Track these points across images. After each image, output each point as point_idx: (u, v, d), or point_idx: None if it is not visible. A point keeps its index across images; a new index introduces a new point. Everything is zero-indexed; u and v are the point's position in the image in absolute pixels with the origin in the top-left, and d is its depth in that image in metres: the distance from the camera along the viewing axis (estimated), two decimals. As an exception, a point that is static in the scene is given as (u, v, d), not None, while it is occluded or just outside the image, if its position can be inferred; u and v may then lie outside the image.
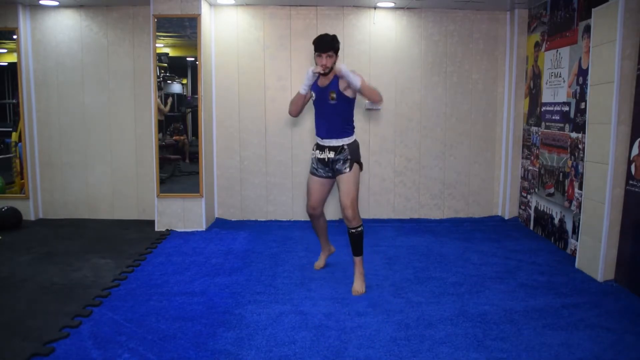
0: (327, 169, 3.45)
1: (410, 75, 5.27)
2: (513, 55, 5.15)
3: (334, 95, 3.28)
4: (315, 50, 3.26)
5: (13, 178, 5.32)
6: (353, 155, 3.37)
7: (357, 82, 3.17)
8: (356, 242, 3.33)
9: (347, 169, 3.34)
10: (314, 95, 3.38)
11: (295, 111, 3.46)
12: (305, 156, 5.29)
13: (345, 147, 3.36)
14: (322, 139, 3.41)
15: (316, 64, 3.29)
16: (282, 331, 2.76)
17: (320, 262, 3.86)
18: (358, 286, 3.33)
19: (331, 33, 3.20)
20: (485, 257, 4.09)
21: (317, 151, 3.45)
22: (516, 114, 5.20)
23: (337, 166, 3.37)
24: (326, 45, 3.22)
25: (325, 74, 3.28)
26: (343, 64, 3.23)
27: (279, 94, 5.24)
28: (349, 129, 3.40)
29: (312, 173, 3.54)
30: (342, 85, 3.27)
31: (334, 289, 3.39)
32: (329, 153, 3.38)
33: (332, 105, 3.31)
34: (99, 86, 5.25)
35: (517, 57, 5.12)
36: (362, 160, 5.38)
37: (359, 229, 3.32)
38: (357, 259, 3.37)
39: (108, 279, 3.53)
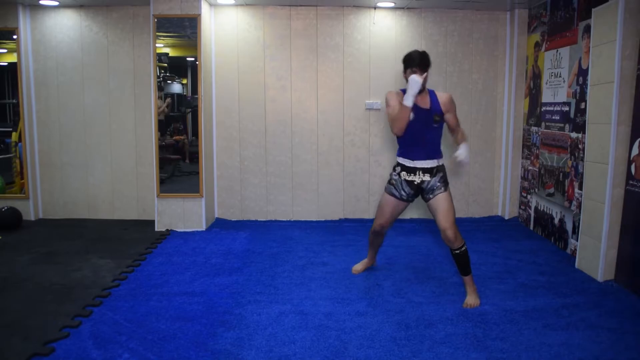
0: (412, 193, 3.25)
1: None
2: (513, 55, 5.15)
3: (438, 119, 3.12)
4: (413, 66, 3.03)
5: (13, 178, 5.32)
6: (446, 175, 3.24)
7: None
8: (462, 261, 3.13)
9: (443, 189, 3.14)
10: (412, 115, 3.05)
11: (402, 129, 3.06)
12: (305, 156, 5.29)
13: (442, 167, 3.21)
14: (413, 160, 3.17)
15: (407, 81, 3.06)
16: (282, 331, 2.76)
17: (359, 267, 3.73)
18: (472, 300, 3.14)
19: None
20: (485, 257, 4.09)
21: (404, 173, 3.20)
22: (516, 114, 5.20)
23: (430, 187, 3.17)
24: (427, 62, 3.04)
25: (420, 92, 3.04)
26: (464, 148, 3.10)
27: (279, 94, 5.24)
28: (440, 150, 3.24)
29: (391, 194, 3.30)
30: (444, 108, 3.14)
31: (334, 289, 3.39)
32: (424, 176, 3.16)
33: (433, 127, 3.14)
34: (99, 86, 5.25)
35: (517, 57, 5.12)
36: (363, 160, 5.40)
37: (463, 248, 3.11)
38: (467, 278, 3.17)
39: (108, 279, 3.53)
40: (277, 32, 5.17)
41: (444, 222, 3.09)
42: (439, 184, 3.16)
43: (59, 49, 5.20)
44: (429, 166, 3.16)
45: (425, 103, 3.11)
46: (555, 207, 4.44)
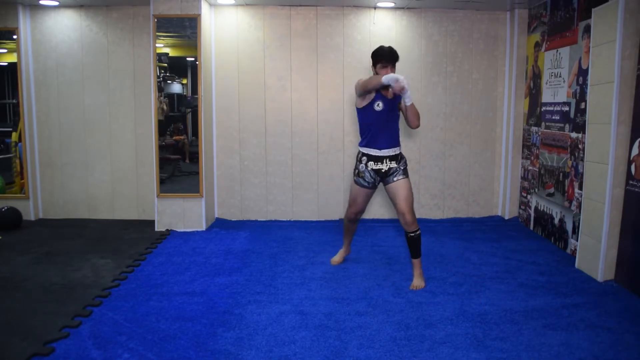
0: (377, 179, 3.49)
1: (410, 75, 5.26)
2: (513, 55, 5.15)
3: (401, 106, 3.39)
4: (381, 61, 3.29)
5: (13, 178, 5.32)
6: (407, 163, 3.54)
7: (411, 99, 3.22)
8: (415, 244, 3.41)
9: (402, 176, 3.42)
10: (380, 105, 3.34)
11: (374, 89, 3.25)
12: (305, 156, 5.29)
13: (403, 154, 3.52)
14: (380, 149, 3.40)
15: (376, 74, 3.31)
16: (282, 331, 2.76)
17: (338, 258, 3.95)
18: (418, 282, 3.43)
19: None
20: (485, 257, 4.09)
21: (372, 162, 3.42)
22: (516, 114, 5.20)
23: (393, 172, 3.43)
24: (395, 57, 3.31)
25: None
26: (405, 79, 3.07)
27: (279, 94, 5.24)
28: (399, 137, 3.52)
29: (359, 185, 3.51)
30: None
31: (334, 289, 3.39)
32: (390, 163, 3.42)
33: (397, 115, 3.45)
34: (99, 86, 5.25)
35: (517, 57, 5.12)
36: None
37: (418, 232, 3.39)
38: (416, 261, 3.45)
39: (108, 279, 3.53)
40: (277, 32, 5.17)
41: (404, 206, 3.37)
42: (400, 169, 3.43)
43: (59, 49, 5.20)
44: (394, 153, 3.44)
45: (390, 94, 3.37)
46: (555, 207, 4.44)
